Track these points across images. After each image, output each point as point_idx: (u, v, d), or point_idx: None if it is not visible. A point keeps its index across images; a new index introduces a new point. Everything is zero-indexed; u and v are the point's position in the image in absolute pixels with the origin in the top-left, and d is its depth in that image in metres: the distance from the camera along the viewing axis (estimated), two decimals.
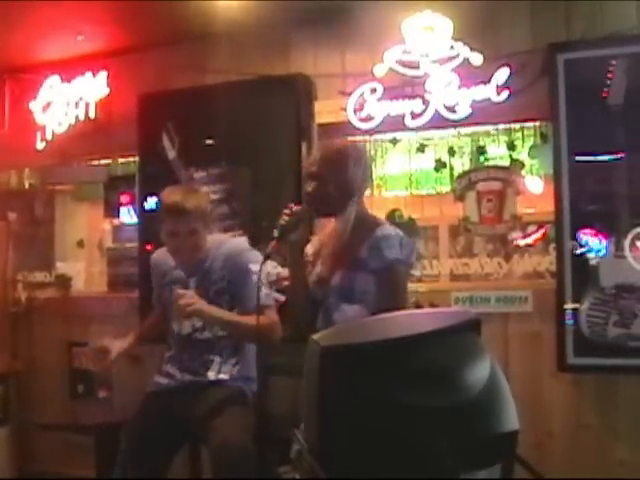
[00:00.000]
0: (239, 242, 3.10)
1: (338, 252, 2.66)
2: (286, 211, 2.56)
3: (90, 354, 3.04)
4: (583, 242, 3.44)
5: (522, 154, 3.79)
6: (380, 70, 3.69)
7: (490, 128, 3.81)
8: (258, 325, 2.43)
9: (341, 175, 2.62)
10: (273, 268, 3.65)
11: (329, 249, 2.71)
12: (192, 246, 2.86)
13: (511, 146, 3.77)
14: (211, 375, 2.89)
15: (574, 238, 3.43)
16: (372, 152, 3.95)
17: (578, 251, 3.42)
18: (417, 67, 3.66)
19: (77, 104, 4.48)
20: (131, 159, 4.54)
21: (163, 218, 2.88)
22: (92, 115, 4.45)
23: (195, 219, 2.84)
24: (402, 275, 2.65)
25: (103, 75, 4.41)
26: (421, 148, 3.89)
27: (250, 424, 2.70)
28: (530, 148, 3.76)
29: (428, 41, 3.61)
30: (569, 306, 3.39)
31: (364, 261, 2.59)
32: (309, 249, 2.76)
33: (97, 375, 3.23)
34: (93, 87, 4.44)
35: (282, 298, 2.97)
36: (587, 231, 3.43)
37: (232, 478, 2.54)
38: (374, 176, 3.95)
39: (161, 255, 3.09)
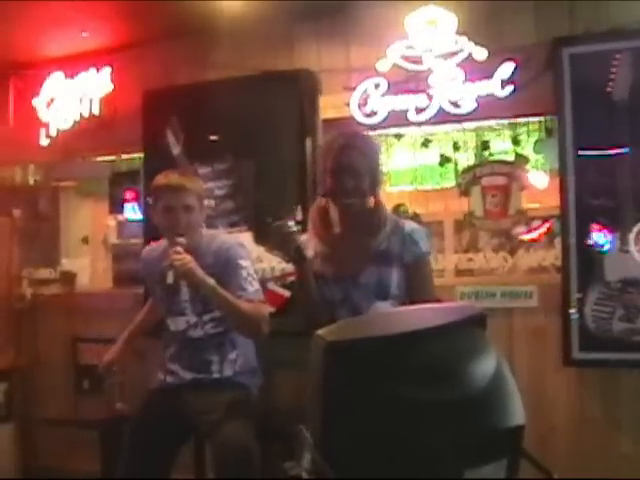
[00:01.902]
0: (230, 237, 3.09)
1: (366, 248, 2.59)
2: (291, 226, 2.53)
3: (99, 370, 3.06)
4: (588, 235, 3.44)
5: (527, 149, 3.78)
6: (384, 65, 3.68)
7: (494, 123, 3.80)
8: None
9: (377, 168, 2.64)
10: (278, 263, 3.66)
11: (346, 245, 2.62)
12: (186, 223, 2.83)
13: (516, 141, 3.76)
14: (214, 374, 2.89)
15: (580, 232, 3.43)
16: None
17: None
18: (421, 62, 3.65)
19: (81, 100, 4.48)
20: (135, 155, 4.54)
21: (158, 197, 2.87)
22: (96, 111, 4.45)
23: (191, 195, 2.85)
24: (431, 267, 2.75)
25: (107, 71, 4.41)
26: (425, 143, 3.88)
27: (254, 422, 2.69)
28: (535, 143, 3.75)
29: (432, 36, 3.60)
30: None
31: (396, 255, 2.57)
32: (309, 248, 2.64)
33: (110, 387, 3.26)
34: (97, 83, 4.44)
35: (286, 293, 2.97)
36: (592, 225, 3.42)
37: (235, 478, 2.54)
38: None
39: (151, 251, 3.09)
